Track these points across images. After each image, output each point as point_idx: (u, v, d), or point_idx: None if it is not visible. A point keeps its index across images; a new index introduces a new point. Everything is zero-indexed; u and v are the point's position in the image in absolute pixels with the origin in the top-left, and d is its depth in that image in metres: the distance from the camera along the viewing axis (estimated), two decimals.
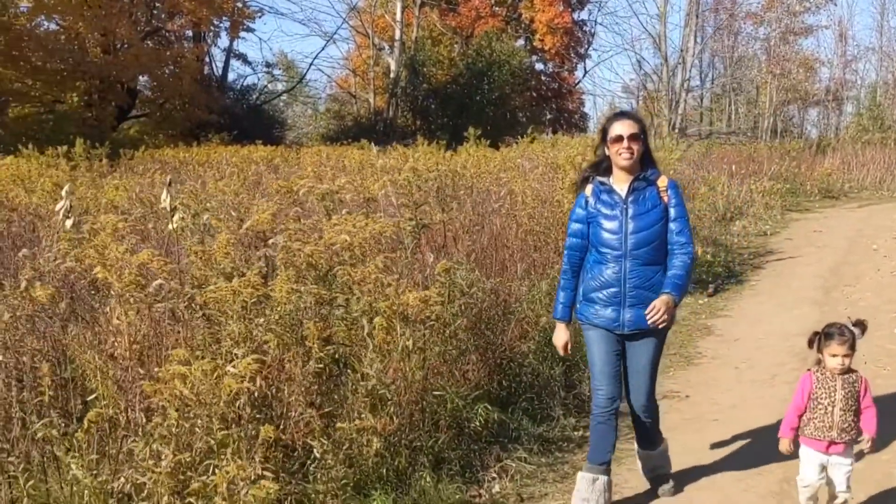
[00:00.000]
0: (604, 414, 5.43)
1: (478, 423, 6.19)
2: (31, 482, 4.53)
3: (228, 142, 30.09)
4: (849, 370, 5.01)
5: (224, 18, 40.81)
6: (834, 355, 4.97)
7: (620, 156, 5.25)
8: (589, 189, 5.45)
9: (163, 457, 4.49)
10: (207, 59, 43.18)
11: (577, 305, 5.50)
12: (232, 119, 37.95)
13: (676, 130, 25.95)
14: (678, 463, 6.25)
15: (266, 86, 49.46)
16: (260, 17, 65.93)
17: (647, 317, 5.17)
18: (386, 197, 8.82)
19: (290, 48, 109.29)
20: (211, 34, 42.39)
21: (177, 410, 4.48)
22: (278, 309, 5.31)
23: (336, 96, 52.81)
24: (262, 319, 5.37)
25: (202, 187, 11.65)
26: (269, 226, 7.09)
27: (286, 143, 33.68)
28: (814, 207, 22.43)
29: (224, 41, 45.19)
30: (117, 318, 5.41)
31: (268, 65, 50.81)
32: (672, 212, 5.30)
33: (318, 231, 6.91)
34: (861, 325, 5.06)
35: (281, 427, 5.36)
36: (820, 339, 5.06)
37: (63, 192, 7.84)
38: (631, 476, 6.15)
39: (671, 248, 5.28)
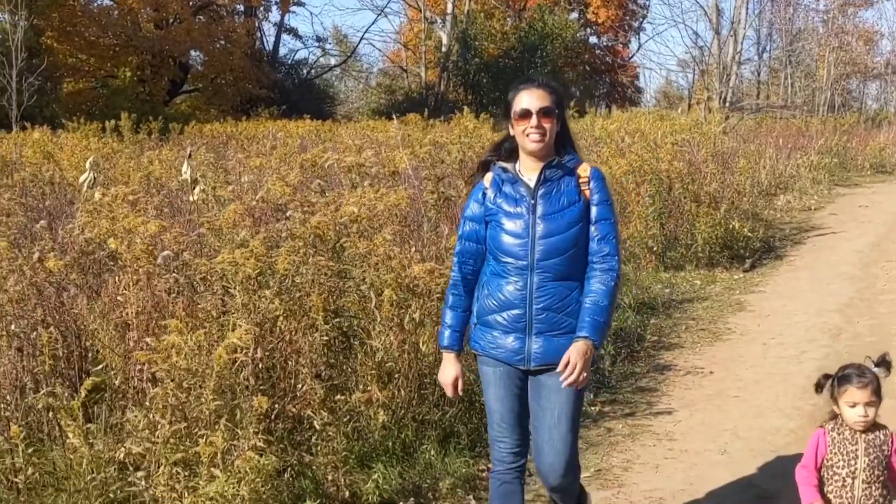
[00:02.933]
0: (508, 472, 4.22)
1: None
2: (30, 449, 4.56)
3: (277, 116, 30.26)
4: (874, 425, 3.89)
5: None
6: (853, 404, 3.83)
7: (528, 137, 3.96)
8: (488, 178, 4.16)
9: (159, 427, 4.51)
10: (258, 34, 43.43)
11: (471, 330, 4.18)
12: (282, 94, 38.16)
13: (727, 104, 25.49)
14: (694, 440, 6.18)
15: (317, 60, 49.63)
16: None
17: (561, 377, 3.83)
18: (414, 170, 8.78)
19: (342, 22, 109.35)
20: (262, 8, 42.55)
21: (172, 381, 4.48)
22: (282, 280, 5.29)
23: (387, 71, 52.79)
24: (267, 291, 5.36)
25: (239, 162, 11.73)
26: (289, 198, 7.09)
27: (335, 118, 33.76)
28: (863, 182, 21.97)
29: (275, 15, 45.37)
30: (123, 289, 5.43)
31: (318, 39, 51.04)
32: (595, 211, 4.00)
33: (337, 203, 6.89)
34: (885, 363, 3.97)
35: (288, 399, 5.37)
36: (833, 384, 3.93)
37: (87, 165, 7.90)
38: None
39: (590, 260, 3.97)
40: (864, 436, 3.86)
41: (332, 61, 51.26)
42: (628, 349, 8.16)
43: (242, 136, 21.86)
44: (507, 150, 4.17)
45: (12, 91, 14.87)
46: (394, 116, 18.08)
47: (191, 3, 37.89)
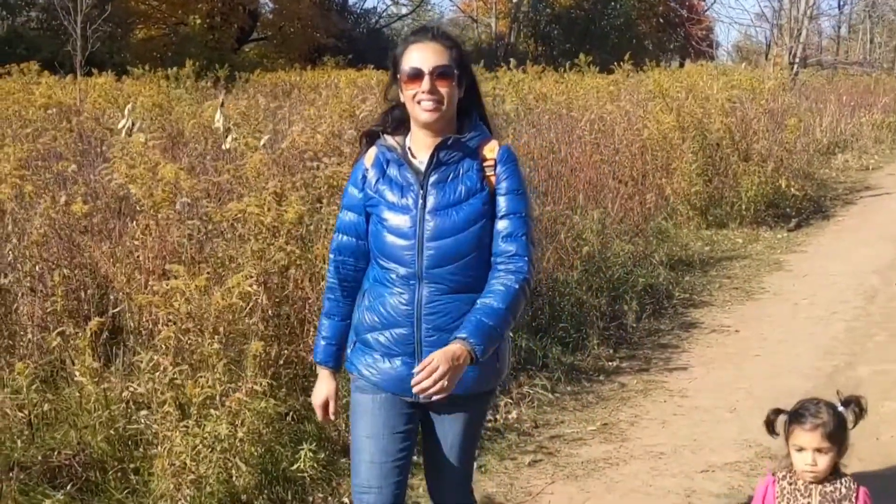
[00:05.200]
0: None
1: None
2: (34, 385, 4.76)
3: (343, 66, 30.33)
4: (834, 474, 3.21)
5: None
6: (800, 449, 3.17)
7: (419, 105, 3.08)
8: (370, 156, 3.26)
9: (161, 368, 4.67)
10: None
11: (349, 348, 3.39)
12: (349, 43, 38.18)
13: (797, 60, 24.93)
14: (706, 398, 6.20)
15: (387, 9, 49.56)
16: None
17: (413, 381, 2.88)
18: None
19: None
20: None
21: (174, 324, 4.64)
22: (290, 230, 5.39)
23: (457, 21, 52.49)
24: (280, 240, 5.47)
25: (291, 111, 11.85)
26: (323, 148, 7.19)
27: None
28: None
29: None
30: (141, 234, 5.59)
31: None
32: (502, 202, 3.13)
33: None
34: (854, 403, 3.24)
35: (296, 346, 5.50)
36: (787, 422, 3.26)
37: (126, 111, 8.07)
38: None
39: (493, 261, 3.12)
40: (819, 487, 3.19)
41: (403, 10, 51.15)
42: (655, 305, 8.16)
43: (306, 86, 21.99)
44: (396, 119, 3.27)
45: (77, 37, 15.07)
46: None
47: None
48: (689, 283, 8.99)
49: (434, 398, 2.88)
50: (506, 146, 3.24)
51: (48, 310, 5.22)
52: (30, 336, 5.34)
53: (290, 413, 5.18)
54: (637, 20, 46.24)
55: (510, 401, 5.98)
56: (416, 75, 3.07)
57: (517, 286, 3.06)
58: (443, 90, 3.07)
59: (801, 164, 13.80)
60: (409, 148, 3.21)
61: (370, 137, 3.31)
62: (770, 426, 3.30)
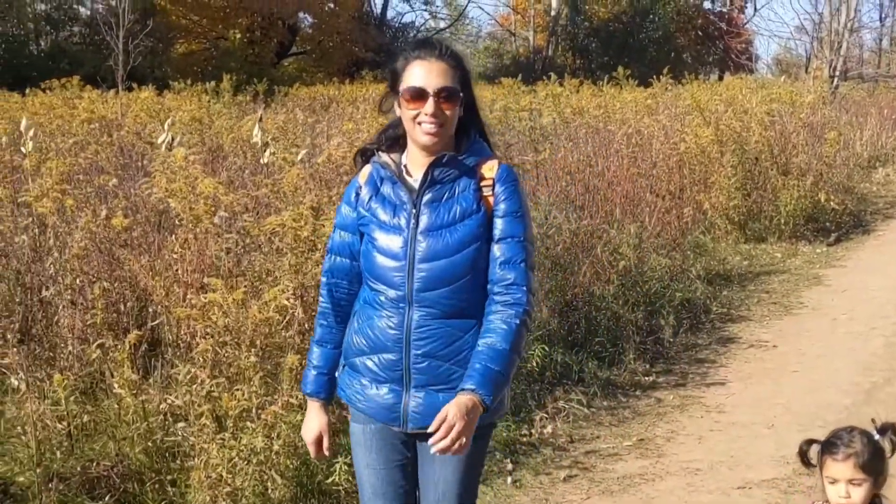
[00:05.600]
0: None
1: (535, 364, 6.18)
2: (72, 397, 4.82)
3: (382, 80, 30.43)
4: None
5: None
6: (833, 481, 2.98)
7: (419, 126, 2.94)
8: (365, 173, 3.14)
9: (199, 380, 4.71)
10: None
11: (339, 371, 3.23)
12: (388, 56, 38.25)
13: (837, 73, 24.74)
14: (743, 413, 6.16)
15: (425, 23, 49.74)
16: None
17: (430, 441, 2.74)
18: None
19: None
20: None
21: (212, 337, 4.68)
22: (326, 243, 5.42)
23: (495, 34, 52.58)
24: (317, 254, 5.51)
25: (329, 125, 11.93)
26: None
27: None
28: None
29: None
30: (180, 247, 5.65)
31: (426, 2, 50.97)
32: (499, 225, 2.97)
33: None
34: (892, 430, 3.03)
35: None
36: (819, 452, 3.06)
37: (166, 126, 8.16)
38: None
39: (490, 289, 2.97)
40: None
41: (441, 24, 51.30)
42: (693, 320, 8.13)
43: (344, 99, 22.11)
44: (391, 138, 3.13)
45: (119, 52, 15.28)
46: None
47: None
48: (727, 297, 8.94)
49: (452, 452, 2.74)
50: (505, 165, 3.09)
51: (88, 322, 5.29)
52: (70, 348, 5.41)
53: (338, 420, 5.20)
54: (675, 33, 46.06)
55: (545, 415, 5.97)
56: (419, 96, 2.92)
57: (518, 321, 2.90)
58: (447, 112, 2.93)
59: (841, 178, 13.69)
60: (405, 166, 3.08)
61: (365, 155, 3.17)
62: (803, 457, 3.10)
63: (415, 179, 3.03)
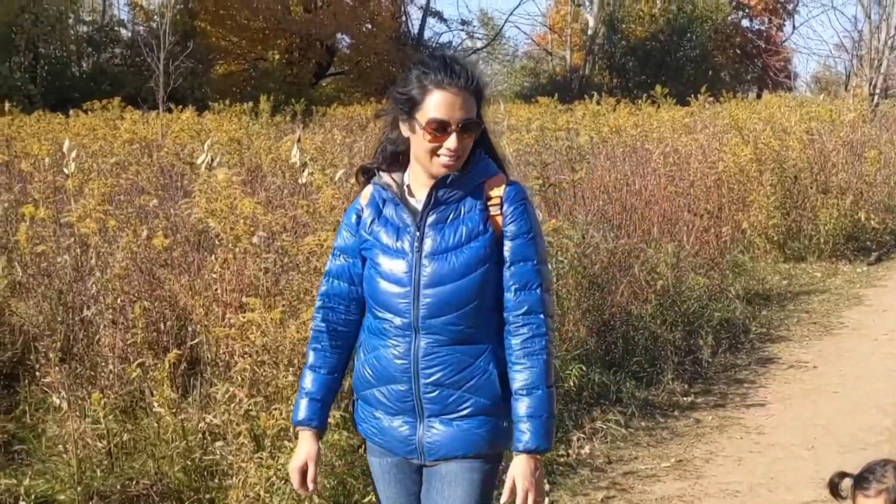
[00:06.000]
0: None
1: (572, 384, 6.16)
2: (109, 416, 4.87)
3: None
4: None
5: None
6: None
7: (437, 158, 2.80)
8: (366, 195, 2.99)
9: (237, 399, 4.74)
10: (404, 17, 43.91)
11: (354, 406, 3.12)
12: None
13: (877, 90, 24.56)
14: (783, 435, 6.11)
15: (462, 43, 49.92)
16: None
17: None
18: (520, 155, 8.86)
19: (488, 5, 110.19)
20: None
21: (250, 356, 4.71)
22: None
23: (532, 53, 52.62)
24: None
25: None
26: None
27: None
28: None
29: None
30: (219, 267, 5.70)
31: (463, 22, 51.26)
32: (510, 248, 2.85)
33: None
34: None
35: None
36: (852, 486, 2.92)
37: (205, 146, 8.22)
38: None
39: (506, 318, 2.86)
40: None
41: (478, 44, 51.47)
42: (732, 340, 8.08)
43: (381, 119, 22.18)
44: (389, 156, 2.96)
45: (159, 73, 15.47)
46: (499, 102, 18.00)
47: None
48: (766, 317, 8.89)
49: None
50: (514, 183, 2.92)
51: (129, 341, 5.35)
52: (111, 367, 5.47)
53: (363, 445, 5.21)
54: (713, 51, 45.93)
55: (583, 435, 5.95)
56: (442, 127, 2.76)
57: (545, 355, 2.83)
58: (466, 143, 2.80)
59: (882, 197, 13.54)
60: (408, 186, 2.92)
61: (367, 174, 3.01)
62: (834, 489, 2.97)
63: (418, 200, 2.89)
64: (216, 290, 5.68)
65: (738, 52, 50.57)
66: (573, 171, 8.44)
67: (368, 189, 2.98)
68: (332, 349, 3.01)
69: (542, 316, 2.84)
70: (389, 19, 39.88)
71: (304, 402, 3.01)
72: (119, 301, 5.66)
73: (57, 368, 5.08)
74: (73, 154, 6.75)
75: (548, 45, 50.04)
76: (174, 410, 4.85)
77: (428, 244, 2.84)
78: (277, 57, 35.16)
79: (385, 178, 2.92)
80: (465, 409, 2.86)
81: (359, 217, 2.97)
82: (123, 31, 36.25)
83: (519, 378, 2.82)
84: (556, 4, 50.60)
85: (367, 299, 2.96)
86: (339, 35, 39.12)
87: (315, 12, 37.06)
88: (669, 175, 10.26)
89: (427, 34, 47.17)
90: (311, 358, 3.04)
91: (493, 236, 2.84)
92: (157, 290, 6.07)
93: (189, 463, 4.83)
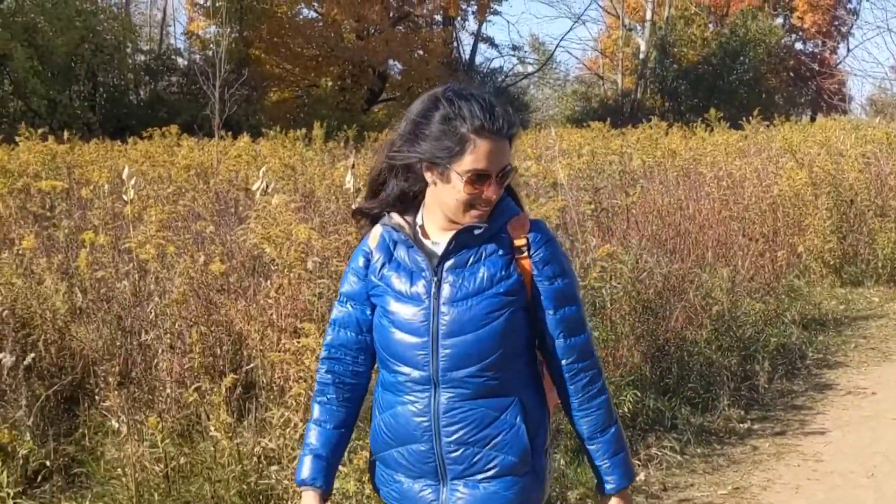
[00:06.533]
0: None
1: (626, 409, 6.13)
2: (167, 440, 4.92)
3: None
4: None
5: (472, 2, 41.68)
6: None
7: (470, 212, 2.59)
8: (375, 236, 2.74)
9: (292, 424, 4.79)
10: (455, 43, 44.27)
11: (373, 468, 2.85)
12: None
13: None
14: (841, 462, 6.02)
15: (513, 68, 50.13)
16: None
17: None
18: (572, 180, 8.86)
19: (539, 30, 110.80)
20: (459, 18, 43.38)
21: (305, 381, 4.75)
22: None
23: (583, 78, 52.67)
24: None
25: None
26: None
27: (524, 126, 33.94)
28: None
29: (472, 25, 46.24)
30: (275, 292, 5.76)
31: (514, 47, 51.49)
32: (548, 291, 2.65)
33: None
34: None
35: None
36: None
37: (261, 173, 8.32)
38: None
39: (559, 363, 2.68)
40: None
41: (529, 69, 51.64)
42: (788, 366, 7.97)
43: None
44: (394, 199, 2.71)
45: (215, 101, 15.69)
46: (551, 127, 17.97)
47: (391, 15, 39.03)
48: (823, 343, 8.77)
49: None
50: (538, 222, 2.72)
51: (186, 366, 5.42)
52: (168, 391, 5.54)
53: None
54: (766, 74, 45.69)
55: (638, 462, 5.90)
56: (483, 178, 2.54)
57: (606, 394, 2.69)
58: (501, 189, 2.60)
59: None
60: (421, 226, 2.69)
61: (367, 217, 2.78)
62: None
63: (433, 242, 2.66)
64: (271, 314, 5.74)
65: (792, 74, 50.26)
66: (626, 195, 8.43)
67: (377, 230, 2.74)
68: (338, 402, 2.79)
69: (594, 357, 2.70)
70: (441, 45, 40.17)
71: (307, 460, 2.76)
72: (177, 326, 5.75)
73: (116, 392, 5.17)
74: (132, 181, 6.87)
75: (599, 70, 50.09)
76: (230, 434, 4.90)
77: (446, 290, 2.61)
78: (330, 83, 35.61)
79: (396, 218, 2.68)
80: (491, 468, 2.64)
81: (367, 260, 2.73)
82: (180, 60, 36.94)
83: (588, 424, 2.67)
84: (608, 29, 50.73)
85: (379, 351, 2.72)
86: (390, 61, 39.48)
87: (367, 39, 37.43)
88: (723, 199, 10.21)
89: (478, 59, 47.50)
90: (315, 412, 2.81)
91: (520, 280, 2.63)
92: (214, 314, 6.14)
93: (245, 487, 4.87)
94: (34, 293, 6.16)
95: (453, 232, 2.60)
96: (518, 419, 2.62)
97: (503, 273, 2.61)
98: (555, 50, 52.47)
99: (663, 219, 9.23)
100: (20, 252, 6.43)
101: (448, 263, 2.61)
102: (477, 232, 2.59)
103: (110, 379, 5.25)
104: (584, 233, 7.45)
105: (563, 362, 2.65)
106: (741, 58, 43.68)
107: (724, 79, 43.39)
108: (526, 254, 2.63)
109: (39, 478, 5.16)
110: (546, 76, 52.28)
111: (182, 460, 5.20)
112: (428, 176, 2.60)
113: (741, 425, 6.71)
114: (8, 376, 5.47)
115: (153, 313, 5.91)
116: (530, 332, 2.69)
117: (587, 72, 52.53)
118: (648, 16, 45.11)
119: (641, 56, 44.81)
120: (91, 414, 5.69)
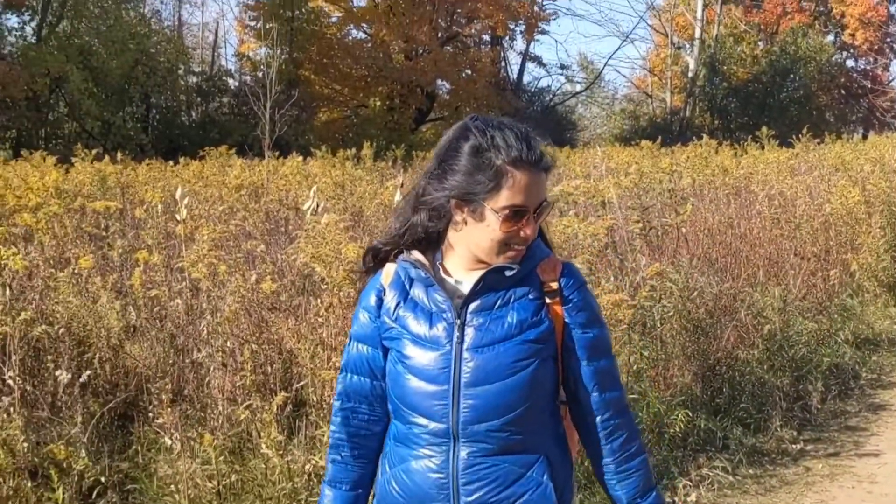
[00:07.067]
0: None
1: (677, 429, 6.09)
2: (219, 457, 4.97)
3: None
4: None
5: (520, 22, 41.81)
6: None
7: (506, 253, 2.36)
8: (388, 273, 2.51)
9: None
10: (503, 63, 44.41)
11: None
12: (524, 121, 38.52)
13: None
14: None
15: (561, 87, 50.16)
16: (555, 19, 67.63)
17: None
18: (620, 199, 8.84)
19: (587, 49, 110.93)
20: (507, 38, 43.53)
21: None
22: None
23: (631, 96, 52.58)
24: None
25: None
26: None
27: (574, 144, 33.90)
28: None
29: (520, 44, 46.44)
30: (325, 311, 5.80)
31: (562, 66, 51.48)
32: (580, 339, 2.45)
33: None
34: None
35: None
36: None
37: (311, 193, 8.39)
38: None
39: (593, 418, 2.47)
40: None
41: (577, 88, 51.65)
42: (841, 386, 7.87)
43: None
44: (416, 238, 2.47)
45: (265, 121, 15.86)
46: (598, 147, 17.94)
47: (439, 35, 39.24)
48: (877, 363, 8.65)
49: None
50: (570, 265, 2.51)
51: (237, 383, 5.48)
52: (220, 408, 5.59)
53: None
54: (817, 92, 45.28)
55: (689, 483, 5.86)
56: (521, 214, 2.33)
57: (646, 453, 2.51)
58: (537, 228, 2.40)
59: None
60: (442, 265, 2.47)
61: (378, 256, 2.55)
62: None
63: (457, 281, 2.43)
64: (321, 333, 5.79)
65: (843, 92, 49.77)
66: (676, 213, 8.39)
67: (391, 266, 2.51)
68: (354, 460, 2.57)
69: (629, 415, 2.51)
70: (489, 65, 40.29)
71: None
72: (228, 344, 5.81)
73: (169, 410, 5.23)
74: (185, 201, 6.96)
75: (647, 88, 49.95)
76: (281, 452, 4.94)
77: (471, 334, 2.35)
78: (379, 103, 35.84)
79: (416, 254, 2.45)
80: None
81: (380, 299, 2.49)
82: (231, 81, 37.51)
83: (627, 488, 2.46)
84: (656, 47, 50.60)
85: (392, 400, 2.47)
86: (438, 81, 39.66)
87: (416, 59, 37.65)
88: (775, 217, 10.12)
89: (526, 79, 47.58)
90: (330, 472, 2.60)
91: (550, 327, 2.41)
92: (265, 333, 6.21)
93: None
94: (90, 312, 6.25)
95: (480, 272, 2.39)
96: (545, 477, 2.41)
97: (534, 318, 2.39)
98: (603, 68, 52.58)
99: (714, 237, 9.17)
100: (77, 271, 6.53)
101: (473, 305, 2.38)
102: (509, 273, 2.37)
103: (163, 396, 5.31)
104: (634, 251, 7.42)
105: (599, 418, 2.45)
106: (791, 75, 43.36)
107: (774, 96, 43.06)
108: (558, 298, 2.43)
109: (94, 494, 5.21)
110: (594, 95, 52.26)
111: (233, 477, 5.24)
112: (458, 215, 2.38)
113: (794, 446, 6.64)
114: (64, 393, 5.55)
115: (205, 331, 5.98)
116: (556, 383, 2.49)
117: (635, 90, 52.44)
118: (697, 34, 44.98)
119: (690, 74, 44.66)
120: (144, 431, 5.75)
